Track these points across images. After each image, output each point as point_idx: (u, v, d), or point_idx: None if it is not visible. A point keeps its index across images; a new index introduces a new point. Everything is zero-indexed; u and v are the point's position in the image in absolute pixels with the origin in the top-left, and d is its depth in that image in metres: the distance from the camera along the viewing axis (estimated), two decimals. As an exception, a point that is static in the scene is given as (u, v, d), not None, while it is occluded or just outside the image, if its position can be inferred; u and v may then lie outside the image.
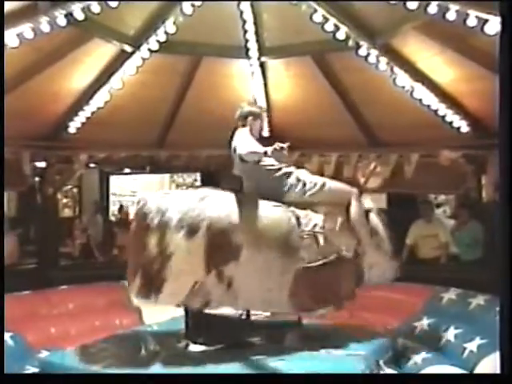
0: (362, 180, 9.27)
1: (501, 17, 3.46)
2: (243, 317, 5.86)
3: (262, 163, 5.52)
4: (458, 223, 9.36)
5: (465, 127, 7.89)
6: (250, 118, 5.87)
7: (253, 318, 5.86)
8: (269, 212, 5.33)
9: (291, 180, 5.60)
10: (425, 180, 8.86)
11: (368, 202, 6.07)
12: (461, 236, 8.90)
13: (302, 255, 5.34)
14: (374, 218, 6.01)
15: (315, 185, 5.65)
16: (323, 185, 5.68)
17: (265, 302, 5.29)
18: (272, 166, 5.59)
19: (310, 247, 5.38)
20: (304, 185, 5.63)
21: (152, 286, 4.97)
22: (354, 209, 5.71)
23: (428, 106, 7.62)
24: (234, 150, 5.60)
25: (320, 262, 5.40)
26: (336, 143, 9.24)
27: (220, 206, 5.16)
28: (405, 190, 9.47)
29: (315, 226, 5.46)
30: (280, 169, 5.61)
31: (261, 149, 5.21)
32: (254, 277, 5.14)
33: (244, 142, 5.41)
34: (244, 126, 5.82)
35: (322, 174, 9.22)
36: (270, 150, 5.03)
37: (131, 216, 4.79)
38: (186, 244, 4.96)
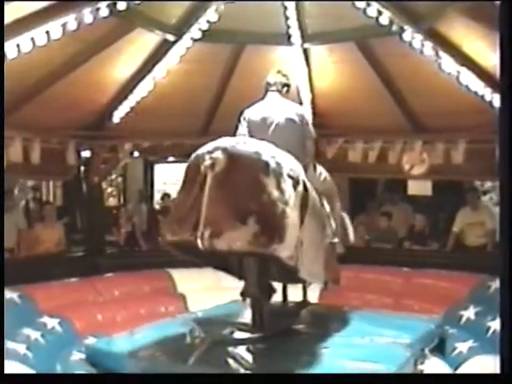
0: (406, 167, 9.15)
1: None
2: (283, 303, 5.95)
3: None
4: (505, 210, 9.18)
5: None
6: (285, 90, 5.84)
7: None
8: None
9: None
10: (471, 167, 8.70)
11: None
12: (509, 224, 8.71)
13: (327, 232, 5.38)
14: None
15: (325, 176, 5.73)
16: (327, 177, 5.80)
17: (312, 269, 5.19)
18: None
19: (329, 226, 5.46)
20: (320, 174, 5.66)
21: (275, 234, 4.31)
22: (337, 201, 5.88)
23: (474, 92, 7.46)
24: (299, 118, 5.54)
25: (337, 240, 5.51)
26: (380, 130, 9.13)
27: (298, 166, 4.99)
28: (450, 176, 9.34)
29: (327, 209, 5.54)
30: None
31: None
32: (307, 244, 5.00)
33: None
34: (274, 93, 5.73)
35: (366, 161, 9.23)
36: None
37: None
38: (294, 195, 4.56)
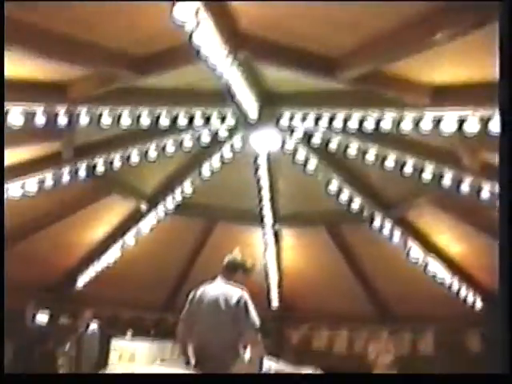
0: (373, 355, 8.95)
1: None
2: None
3: None
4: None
5: (479, 303, 7.73)
6: (239, 271, 4.86)
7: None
8: None
9: None
10: (438, 358, 8.53)
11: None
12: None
13: None
14: None
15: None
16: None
17: None
18: None
19: None
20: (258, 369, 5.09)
21: None
22: None
23: (442, 281, 7.51)
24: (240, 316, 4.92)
25: None
26: (346, 316, 9.03)
27: None
28: (418, 367, 9.11)
29: None
30: None
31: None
32: None
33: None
34: (229, 278, 4.82)
35: (331, 348, 9.03)
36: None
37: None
38: None
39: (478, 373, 4.78)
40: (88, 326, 9.09)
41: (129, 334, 10.29)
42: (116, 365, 13.48)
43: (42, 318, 8.72)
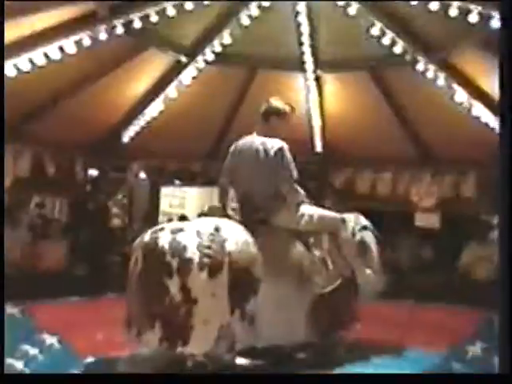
0: (415, 198, 9.09)
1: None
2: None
3: None
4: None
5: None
6: (274, 117, 5.01)
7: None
8: (278, 239, 5.05)
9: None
10: (481, 200, 8.62)
11: (363, 219, 5.82)
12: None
13: (316, 281, 5.11)
14: (367, 236, 5.74)
15: (308, 216, 5.24)
16: (313, 215, 5.28)
17: (286, 333, 4.99)
18: None
19: (321, 272, 5.17)
20: (300, 215, 5.20)
21: (177, 338, 4.33)
22: (342, 234, 5.47)
23: (486, 124, 7.41)
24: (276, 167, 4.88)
25: (333, 286, 5.18)
26: (390, 160, 9.08)
27: (236, 237, 4.54)
28: (460, 209, 9.25)
29: (322, 250, 5.25)
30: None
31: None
32: (273, 309, 4.79)
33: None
34: (266, 126, 4.99)
35: (375, 192, 9.16)
36: None
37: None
38: (210, 285, 4.32)
39: (478, 373, 4.84)
40: (137, 177, 9.37)
41: (176, 182, 10.59)
42: (167, 212, 14.13)
43: (92, 173, 9.00)
